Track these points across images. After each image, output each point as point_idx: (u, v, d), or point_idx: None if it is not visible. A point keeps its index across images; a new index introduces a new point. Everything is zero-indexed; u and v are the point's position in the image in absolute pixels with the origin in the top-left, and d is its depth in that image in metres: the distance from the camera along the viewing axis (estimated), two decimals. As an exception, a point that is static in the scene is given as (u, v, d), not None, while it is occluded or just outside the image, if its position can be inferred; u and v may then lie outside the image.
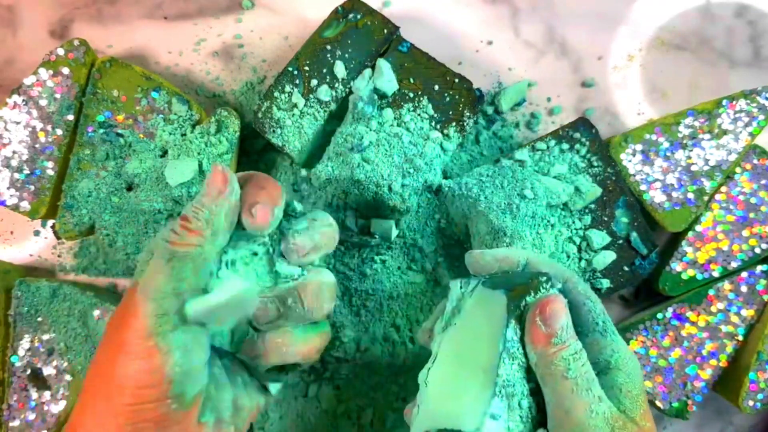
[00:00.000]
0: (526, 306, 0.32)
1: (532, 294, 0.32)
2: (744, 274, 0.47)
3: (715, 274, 0.47)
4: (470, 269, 0.37)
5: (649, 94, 0.52)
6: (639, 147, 0.47)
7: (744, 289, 0.47)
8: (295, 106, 0.46)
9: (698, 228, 0.47)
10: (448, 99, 0.46)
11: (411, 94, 0.46)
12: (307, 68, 0.46)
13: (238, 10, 0.52)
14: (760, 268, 0.47)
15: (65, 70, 0.46)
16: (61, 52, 0.46)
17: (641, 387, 0.32)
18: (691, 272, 0.48)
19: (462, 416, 0.31)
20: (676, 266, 0.48)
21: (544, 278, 0.33)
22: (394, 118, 0.46)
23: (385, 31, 0.47)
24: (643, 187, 0.47)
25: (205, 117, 0.48)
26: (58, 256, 0.51)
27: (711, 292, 0.47)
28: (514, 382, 0.31)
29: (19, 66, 0.51)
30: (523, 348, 0.32)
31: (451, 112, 0.46)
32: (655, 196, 0.47)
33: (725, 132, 0.47)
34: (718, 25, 0.52)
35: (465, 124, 0.46)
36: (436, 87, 0.46)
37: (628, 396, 0.31)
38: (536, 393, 0.32)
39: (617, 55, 0.52)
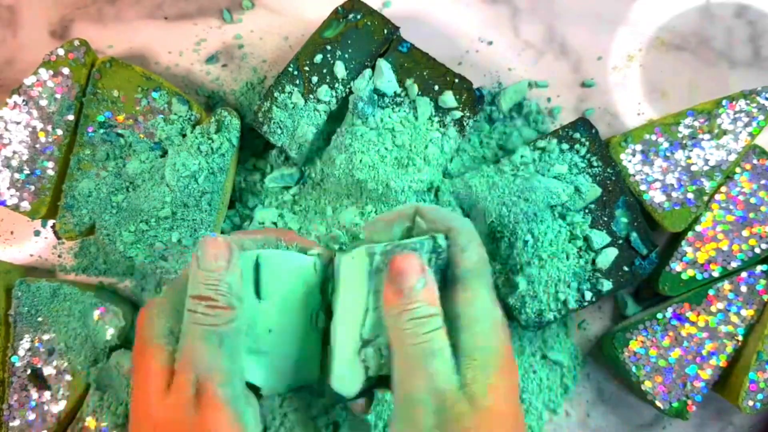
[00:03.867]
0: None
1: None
2: (744, 274, 0.47)
3: (715, 274, 0.47)
4: (367, 241, 0.34)
5: (649, 94, 0.52)
6: (639, 147, 0.47)
7: (744, 289, 0.47)
8: (295, 106, 0.46)
9: (698, 228, 0.47)
10: (448, 99, 0.46)
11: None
12: (307, 68, 0.46)
13: (238, 10, 0.52)
14: (759, 268, 0.47)
15: (65, 71, 0.46)
16: (61, 52, 0.46)
17: (492, 352, 0.29)
18: (690, 272, 0.48)
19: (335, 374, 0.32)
20: (676, 266, 0.48)
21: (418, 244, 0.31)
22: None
23: (385, 31, 0.47)
24: (643, 187, 0.47)
25: (205, 117, 0.48)
26: (58, 256, 0.51)
27: (711, 292, 0.47)
28: (379, 333, 0.31)
29: (19, 66, 0.51)
30: None
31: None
32: (655, 196, 0.47)
33: (725, 132, 0.47)
34: (717, 25, 0.52)
35: (465, 124, 0.46)
36: (436, 87, 0.46)
37: (471, 366, 0.29)
38: None
39: (617, 55, 0.52)
